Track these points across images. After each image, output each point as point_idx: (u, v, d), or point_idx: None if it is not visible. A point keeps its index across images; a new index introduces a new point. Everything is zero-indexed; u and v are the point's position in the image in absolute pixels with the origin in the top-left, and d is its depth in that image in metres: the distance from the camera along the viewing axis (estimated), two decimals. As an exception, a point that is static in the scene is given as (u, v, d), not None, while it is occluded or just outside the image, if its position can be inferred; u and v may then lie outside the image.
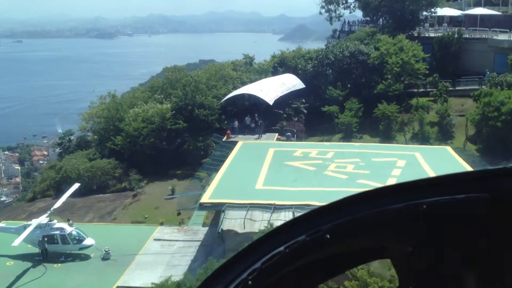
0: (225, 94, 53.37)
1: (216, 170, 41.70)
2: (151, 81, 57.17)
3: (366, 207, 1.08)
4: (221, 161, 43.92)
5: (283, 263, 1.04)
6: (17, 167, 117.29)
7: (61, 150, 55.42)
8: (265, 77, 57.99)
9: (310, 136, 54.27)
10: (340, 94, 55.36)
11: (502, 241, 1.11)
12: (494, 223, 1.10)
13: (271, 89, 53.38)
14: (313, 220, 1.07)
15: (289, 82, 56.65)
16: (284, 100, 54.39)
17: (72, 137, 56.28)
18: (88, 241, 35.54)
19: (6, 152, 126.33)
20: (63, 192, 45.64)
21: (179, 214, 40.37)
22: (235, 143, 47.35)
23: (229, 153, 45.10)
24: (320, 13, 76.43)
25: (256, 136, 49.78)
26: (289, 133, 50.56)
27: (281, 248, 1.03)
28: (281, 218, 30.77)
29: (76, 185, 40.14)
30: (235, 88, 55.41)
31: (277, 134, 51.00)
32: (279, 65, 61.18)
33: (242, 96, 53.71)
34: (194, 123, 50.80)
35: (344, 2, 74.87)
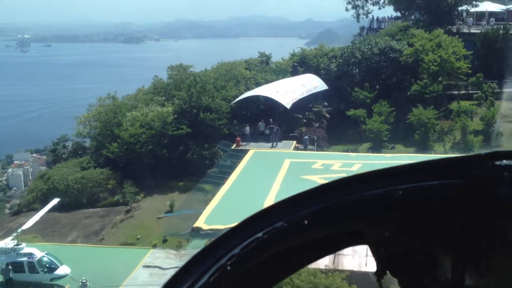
0: (236, 96, 46.86)
1: (222, 183, 35.47)
2: (155, 82, 50.90)
3: (343, 193, 1.10)
4: (228, 172, 37.63)
5: (262, 249, 1.05)
6: (45, 169, 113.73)
7: (54, 158, 49.43)
8: (283, 77, 51.32)
9: (333, 145, 47.43)
10: (367, 96, 48.41)
11: (476, 225, 1.14)
12: (468, 208, 1.14)
13: (289, 90, 46.73)
14: (291, 206, 1.08)
15: (310, 83, 49.87)
16: (304, 103, 47.69)
17: (67, 143, 50.23)
18: (62, 269, 29.36)
19: (34, 155, 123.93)
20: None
21: (164, 241, 33.90)
22: (245, 151, 41.00)
23: (238, 163, 38.81)
24: (347, 9, 69.53)
25: (270, 144, 43.06)
26: (306, 137, 43.73)
27: (260, 234, 1.04)
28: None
29: (54, 201, 34.14)
30: (248, 89, 48.86)
31: (294, 142, 44.25)
32: (299, 65, 54.37)
33: (255, 98, 47.15)
34: (199, 129, 44.37)
35: (372, -3, 67.82)
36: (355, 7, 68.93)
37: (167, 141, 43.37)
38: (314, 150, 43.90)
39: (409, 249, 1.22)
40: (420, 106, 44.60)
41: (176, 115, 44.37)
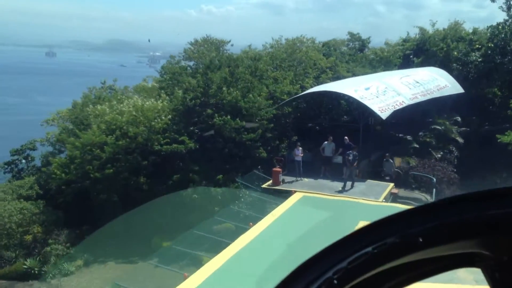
0: (296, 94, 25.79)
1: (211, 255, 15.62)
2: (167, 64, 31.04)
3: (464, 210, 0.94)
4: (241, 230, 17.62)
5: (370, 265, 0.93)
6: None
7: (11, 174, 30.94)
8: (384, 70, 29.41)
9: None
10: (540, 110, 24.92)
11: None
12: None
13: (390, 89, 24.92)
14: (405, 221, 0.95)
15: (431, 82, 27.53)
16: (417, 115, 25.72)
17: (36, 153, 31.48)
18: None
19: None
20: None
21: None
22: (287, 194, 19.98)
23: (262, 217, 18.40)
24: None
25: (342, 184, 21.37)
26: (390, 160, 22.35)
27: (369, 249, 0.93)
28: None
29: None
30: (320, 84, 27.44)
31: (391, 185, 22.08)
32: (415, 54, 31.90)
33: (329, 99, 25.86)
34: (213, 145, 23.52)
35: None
36: None
37: (151, 162, 23.03)
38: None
39: None
40: None
41: (175, 117, 23.95)
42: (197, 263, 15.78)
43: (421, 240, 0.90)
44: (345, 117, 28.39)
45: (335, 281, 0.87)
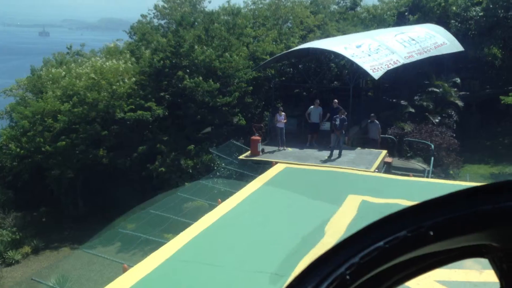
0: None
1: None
2: (137, 24, 27.75)
3: (477, 203, 0.87)
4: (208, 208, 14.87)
5: (382, 259, 0.87)
6: None
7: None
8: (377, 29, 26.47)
9: (469, 163, 22.22)
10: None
11: None
12: None
13: (383, 47, 22.08)
14: (415, 215, 0.89)
15: (428, 39, 24.54)
16: (413, 76, 22.87)
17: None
18: None
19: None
20: None
21: None
22: (267, 165, 17.22)
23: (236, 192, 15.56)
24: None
25: (329, 153, 18.61)
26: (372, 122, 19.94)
27: (381, 243, 0.86)
28: None
29: None
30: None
31: (384, 152, 19.32)
32: (410, 11, 28.88)
33: (315, 60, 23.03)
34: (186, 112, 20.58)
35: None
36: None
37: (114, 132, 20.08)
38: (428, 174, 18.99)
39: None
40: None
41: (142, 81, 20.93)
42: (153, 249, 13.05)
43: (432, 233, 0.84)
44: (335, 82, 25.56)
45: (348, 277, 0.83)
